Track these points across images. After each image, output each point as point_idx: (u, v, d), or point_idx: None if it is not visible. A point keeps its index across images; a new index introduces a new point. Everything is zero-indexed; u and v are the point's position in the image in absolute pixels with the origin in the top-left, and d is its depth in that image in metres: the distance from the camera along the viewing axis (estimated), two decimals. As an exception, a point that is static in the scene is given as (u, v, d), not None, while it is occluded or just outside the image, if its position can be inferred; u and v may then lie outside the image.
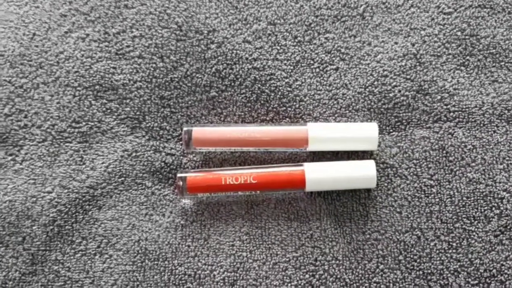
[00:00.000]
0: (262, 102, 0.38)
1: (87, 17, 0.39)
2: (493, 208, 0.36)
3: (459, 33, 0.38)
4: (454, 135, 0.37)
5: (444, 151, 0.37)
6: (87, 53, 0.38)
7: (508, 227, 0.35)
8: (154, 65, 0.38)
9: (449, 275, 0.35)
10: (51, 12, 0.39)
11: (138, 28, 0.38)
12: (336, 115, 0.38)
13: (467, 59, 0.38)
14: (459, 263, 0.35)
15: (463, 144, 0.37)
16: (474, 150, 0.37)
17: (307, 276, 0.35)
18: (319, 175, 0.35)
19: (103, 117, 0.37)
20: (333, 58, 0.38)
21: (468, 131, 0.37)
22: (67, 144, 0.37)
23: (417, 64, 0.38)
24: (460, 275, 0.35)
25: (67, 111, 0.37)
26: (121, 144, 0.37)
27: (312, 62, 0.38)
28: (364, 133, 0.36)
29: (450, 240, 0.35)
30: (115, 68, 0.38)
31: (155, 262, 0.35)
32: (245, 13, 0.39)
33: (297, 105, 0.38)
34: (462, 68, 0.38)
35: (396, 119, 0.37)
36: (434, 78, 0.38)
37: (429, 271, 0.35)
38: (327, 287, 0.35)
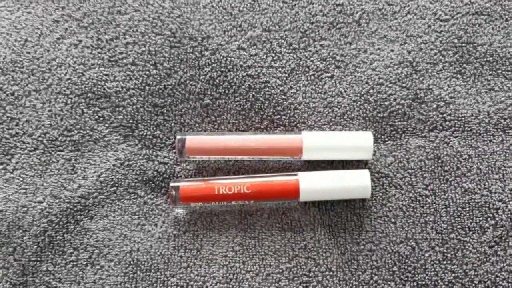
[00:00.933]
0: (256, 110, 0.37)
1: (80, 23, 0.38)
2: (488, 219, 0.35)
3: (455, 41, 0.38)
4: (449, 145, 0.37)
5: (440, 161, 0.36)
6: (80, 59, 0.38)
7: (503, 238, 0.35)
8: (147, 72, 0.38)
9: (443, 286, 0.34)
10: (43, 18, 0.38)
11: (132, 35, 0.38)
12: (331, 124, 0.37)
13: (463, 67, 0.38)
14: (453, 274, 0.35)
15: (458, 153, 0.36)
16: (470, 160, 0.36)
17: (300, 287, 0.35)
18: (313, 185, 0.35)
19: (95, 125, 0.37)
20: (328, 66, 0.38)
21: (464, 140, 0.37)
22: (58, 152, 0.37)
23: (413, 72, 0.38)
24: (454, 287, 0.34)
25: (59, 119, 0.37)
26: (113, 153, 0.37)
27: (307, 69, 0.38)
28: (359, 142, 0.35)
29: (445, 251, 0.35)
30: (107, 75, 0.37)
31: (147, 273, 0.35)
32: (239, 20, 0.38)
33: (291, 113, 0.37)
34: (459, 76, 0.38)
35: (392, 128, 0.37)
36: (430, 86, 0.37)
37: (424, 283, 0.35)
38: (320, 298, 0.34)
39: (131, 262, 0.35)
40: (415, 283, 0.35)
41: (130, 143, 0.37)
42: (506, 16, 0.38)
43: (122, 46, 0.38)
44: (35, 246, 0.35)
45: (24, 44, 0.38)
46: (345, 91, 0.38)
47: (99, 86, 0.37)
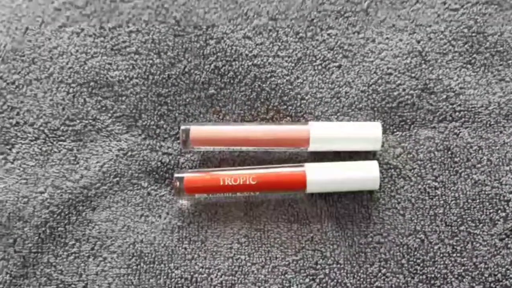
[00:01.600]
0: (262, 100, 0.37)
1: (82, 11, 0.37)
2: (499, 211, 0.35)
3: (465, 30, 0.37)
4: (459, 136, 0.36)
5: (449, 152, 0.36)
6: (82, 48, 0.37)
7: (514, 230, 0.34)
8: (151, 61, 0.37)
9: (453, 279, 0.34)
10: (44, 6, 0.38)
11: (135, 23, 0.37)
12: (338, 114, 0.37)
13: (473, 57, 0.37)
14: (463, 267, 0.34)
15: (468, 144, 0.36)
16: (480, 151, 0.36)
17: (307, 280, 0.34)
18: (320, 176, 0.34)
19: (98, 115, 0.36)
20: (336, 55, 0.37)
21: (474, 131, 0.36)
22: (60, 142, 0.36)
23: (422, 62, 0.37)
24: (464, 280, 0.34)
25: (61, 108, 0.36)
26: (116, 143, 0.36)
27: (314, 59, 0.37)
28: (367, 133, 0.35)
29: (455, 243, 0.34)
30: (110, 64, 0.37)
31: (151, 265, 0.34)
32: (245, 8, 0.38)
33: (298, 104, 0.37)
34: (469, 66, 0.37)
35: (400, 119, 0.36)
36: (440, 77, 0.37)
37: (433, 275, 0.34)
38: (328, 292, 0.34)
39: (134, 254, 0.34)
40: (424, 276, 0.34)
41: (133, 133, 0.36)
42: (517, 6, 0.38)
43: (125, 34, 0.37)
44: (36, 238, 0.34)
45: (25, 32, 0.37)
46: (353, 81, 0.37)
47: (102, 75, 0.37)
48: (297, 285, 0.34)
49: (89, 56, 0.37)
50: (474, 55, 0.37)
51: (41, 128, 0.36)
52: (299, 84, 0.37)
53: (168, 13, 0.37)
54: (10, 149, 0.35)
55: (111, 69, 0.37)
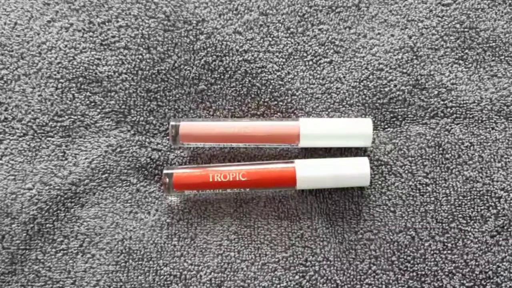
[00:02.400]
0: (252, 96, 0.36)
1: (71, 5, 0.37)
2: (490, 208, 0.34)
3: (458, 26, 0.37)
4: (451, 132, 0.36)
5: (441, 148, 0.35)
6: (71, 43, 0.37)
7: (505, 227, 0.34)
8: (140, 56, 0.36)
9: (443, 276, 0.34)
10: (33, 0, 0.37)
11: (124, 18, 0.37)
12: (329, 110, 0.36)
13: (465, 53, 0.37)
14: (454, 265, 0.34)
15: (460, 141, 0.36)
16: (472, 148, 0.35)
17: (297, 277, 0.34)
18: (310, 173, 0.34)
19: (86, 110, 0.36)
20: (327, 51, 0.37)
21: (465, 127, 0.36)
22: (48, 138, 0.35)
23: (414, 57, 0.37)
24: (455, 277, 0.34)
25: (49, 104, 0.36)
26: (105, 139, 0.36)
27: (305, 54, 0.37)
28: (358, 129, 0.34)
29: (445, 240, 0.34)
30: (99, 59, 0.36)
31: (140, 262, 0.34)
32: (235, 3, 0.37)
33: (289, 99, 0.36)
34: (461, 62, 0.37)
35: (392, 115, 0.36)
36: (431, 72, 0.36)
37: (423, 273, 0.34)
38: (317, 289, 0.34)
39: (123, 251, 0.34)
40: (414, 273, 0.34)
41: (122, 129, 0.36)
42: (510, 1, 0.37)
43: (114, 29, 0.37)
44: (24, 234, 0.34)
45: (14, 27, 0.37)
46: (344, 77, 0.37)
47: (91, 71, 0.36)
48: (286, 282, 0.34)
49: (78, 51, 0.36)
50: (466, 51, 0.37)
51: (30, 123, 0.36)
52: (290, 79, 0.37)
53: (157, 8, 0.37)
54: (-2, 145, 0.35)
55: (100, 64, 0.36)
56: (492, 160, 0.35)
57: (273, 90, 0.36)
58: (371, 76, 0.36)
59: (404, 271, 0.34)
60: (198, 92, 0.36)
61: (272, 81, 0.36)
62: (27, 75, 0.36)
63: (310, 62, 0.37)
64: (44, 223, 0.34)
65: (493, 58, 0.37)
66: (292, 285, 0.34)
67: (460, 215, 0.34)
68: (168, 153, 0.36)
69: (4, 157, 0.35)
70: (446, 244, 0.34)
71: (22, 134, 0.35)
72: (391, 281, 0.34)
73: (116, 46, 0.37)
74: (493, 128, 0.36)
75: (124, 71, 0.36)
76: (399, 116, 0.36)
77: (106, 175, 0.35)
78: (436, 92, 0.36)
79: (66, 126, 0.36)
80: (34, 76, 0.36)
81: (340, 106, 0.36)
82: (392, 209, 0.35)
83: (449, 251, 0.34)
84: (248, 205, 0.35)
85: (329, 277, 0.34)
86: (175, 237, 0.34)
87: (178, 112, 0.36)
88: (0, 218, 0.34)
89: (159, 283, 0.33)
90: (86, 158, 0.35)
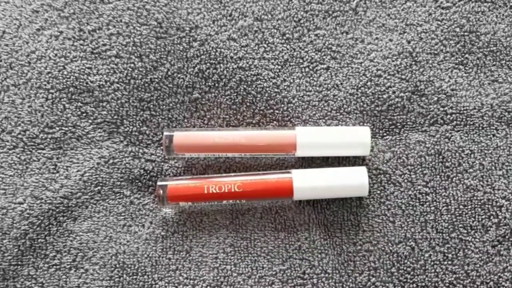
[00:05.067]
0: (248, 104, 0.35)
1: (60, 13, 0.36)
2: (491, 217, 0.34)
3: (457, 30, 0.36)
4: (451, 139, 0.35)
5: (441, 156, 0.35)
6: (61, 52, 0.36)
7: (507, 236, 0.33)
8: (132, 65, 0.36)
9: (444, 287, 0.33)
10: (22, 8, 0.36)
11: (115, 25, 0.36)
12: (326, 118, 0.35)
13: (465, 57, 0.36)
14: (454, 275, 0.33)
15: (460, 148, 0.35)
16: (472, 155, 0.35)
17: (294, 290, 0.33)
18: (307, 183, 0.33)
19: (78, 121, 0.35)
20: (324, 57, 0.36)
21: (466, 134, 0.35)
22: (39, 151, 0.35)
23: (413, 63, 0.36)
24: (455, 288, 0.33)
25: (40, 115, 0.35)
26: (97, 151, 0.35)
27: (301, 61, 0.36)
28: (355, 138, 0.34)
29: (446, 251, 0.33)
30: (90, 68, 0.36)
31: (134, 277, 0.33)
32: (230, 8, 0.36)
33: (285, 108, 0.35)
34: (461, 67, 0.36)
35: (390, 122, 0.35)
36: (431, 78, 0.36)
37: (423, 284, 0.33)
38: (315, 302, 0.33)
39: (117, 265, 0.33)
40: (414, 285, 0.33)
41: (115, 140, 0.35)
42: (511, 4, 0.36)
43: (105, 37, 0.36)
44: (16, 250, 0.33)
45: (2, 36, 0.36)
46: (341, 84, 0.36)
47: (82, 80, 0.35)
48: (284, 295, 0.33)
49: (68, 60, 0.36)
50: (466, 55, 0.36)
51: (20, 136, 0.35)
52: (286, 87, 0.36)
53: (149, 15, 0.36)
54: (-13, 158, 0.34)
55: (91, 73, 0.35)
56: (493, 168, 0.34)
57: (268, 98, 0.36)
58: (369, 83, 0.36)
59: (404, 282, 0.33)
60: (192, 101, 0.36)
61: (267, 88, 0.36)
62: (16, 85, 0.35)
63: (307, 69, 0.36)
64: (36, 238, 0.33)
65: (494, 63, 0.36)
66: (289, 298, 0.33)
67: (460, 225, 0.34)
68: (162, 164, 0.35)
69: (-6, 170, 0.34)
70: (446, 254, 0.33)
71: (12, 146, 0.35)
72: (390, 293, 0.33)
73: (108, 55, 0.36)
74: (494, 135, 0.35)
75: (116, 80, 0.35)
76: (398, 124, 0.35)
77: (99, 187, 0.34)
78: (435, 99, 0.35)
79: (57, 138, 0.35)
80: (24, 87, 0.35)
81: (338, 114, 0.35)
82: (391, 219, 0.34)
83: (449, 262, 0.33)
84: (244, 216, 0.34)
85: (328, 290, 0.33)
86: (170, 250, 0.34)
87: (172, 122, 0.35)
88: (-10, 233, 0.33)
89: (154, 298, 0.33)
90: (78, 171, 0.34)
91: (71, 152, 0.35)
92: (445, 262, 0.33)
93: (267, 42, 0.36)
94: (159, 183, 0.33)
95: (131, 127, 0.35)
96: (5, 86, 0.35)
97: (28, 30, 0.36)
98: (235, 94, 0.36)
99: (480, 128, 0.35)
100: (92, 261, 0.33)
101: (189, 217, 0.34)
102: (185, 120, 0.35)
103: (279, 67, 0.36)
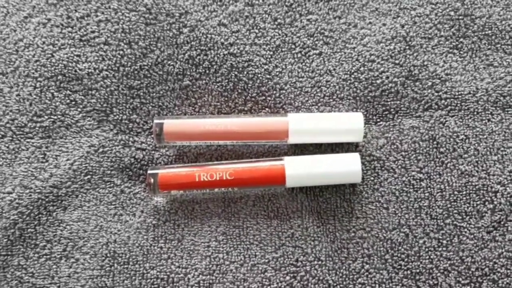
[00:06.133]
0: (239, 91, 0.35)
1: (48, 0, 0.35)
2: (486, 203, 0.33)
3: (452, 13, 0.35)
4: (445, 125, 0.34)
5: (435, 142, 0.34)
6: (49, 40, 0.35)
7: (502, 222, 0.33)
8: (121, 52, 0.35)
9: (438, 274, 0.33)
10: (9, -5, 0.36)
11: (104, 12, 0.35)
12: (319, 104, 0.35)
13: (460, 42, 0.35)
14: (449, 262, 0.33)
15: (455, 134, 0.34)
16: (467, 141, 0.34)
17: (287, 278, 0.33)
18: (300, 170, 0.33)
19: (67, 110, 0.35)
20: (316, 42, 0.35)
21: (460, 120, 0.34)
22: (28, 140, 0.34)
23: (407, 47, 0.35)
24: (450, 274, 0.33)
25: (28, 104, 0.34)
26: (87, 139, 0.34)
27: (293, 46, 0.35)
28: (348, 124, 0.33)
29: (440, 237, 0.33)
30: (79, 56, 0.35)
31: (125, 266, 0.33)
32: (220, -6, 0.36)
33: (277, 94, 0.35)
34: (455, 51, 0.35)
35: (384, 108, 0.35)
36: (425, 63, 0.35)
37: (418, 271, 0.33)
38: (309, 290, 0.33)
39: (108, 255, 0.33)
40: (408, 272, 0.33)
41: (104, 128, 0.35)
42: (506, -14, 0.36)
43: (94, 24, 0.35)
44: (5, 240, 0.33)
45: (-11, 23, 0.35)
46: (334, 69, 0.35)
47: (70, 68, 0.35)
48: (277, 283, 0.33)
49: (57, 48, 0.35)
50: (461, 39, 0.35)
51: (8, 125, 0.34)
52: (277, 73, 0.35)
53: (138, 1, 0.35)
54: (-25, 148, 0.34)
55: (79, 61, 0.35)
56: (488, 153, 0.34)
57: (260, 85, 0.35)
58: (362, 68, 0.35)
59: (398, 269, 0.33)
60: (182, 88, 0.35)
61: (259, 75, 0.35)
62: (4, 74, 0.35)
63: (299, 55, 0.35)
64: (25, 227, 0.33)
65: (489, 47, 0.35)
66: (282, 286, 0.33)
67: (455, 211, 0.33)
68: (153, 152, 0.35)
69: (-17, 160, 0.34)
70: (441, 241, 0.33)
71: (0, 136, 0.34)
72: (384, 280, 0.33)
73: (96, 42, 0.35)
74: (489, 120, 0.34)
75: (105, 67, 0.35)
76: (392, 109, 0.35)
77: (89, 176, 0.34)
78: (430, 84, 0.35)
79: (46, 127, 0.34)
80: (12, 75, 0.35)
81: (331, 100, 0.35)
82: (385, 206, 0.34)
83: (444, 248, 0.33)
84: (237, 204, 0.34)
85: (321, 277, 0.33)
86: (161, 239, 0.33)
87: (162, 110, 0.35)
88: (-21, 223, 0.33)
89: (146, 286, 0.32)
90: (67, 160, 0.34)
91: (60, 141, 0.34)
92: (440, 249, 0.33)
93: (258, 27, 0.36)
94: (149, 171, 0.33)
95: (121, 115, 0.35)
96: (-7, 75, 0.35)
97: (16, 18, 0.35)
98: (227, 80, 0.35)
99: (475, 113, 0.35)
100: (82, 250, 0.33)
101: (180, 205, 0.34)
102: (176, 108, 0.35)
103: (271, 53, 0.35)
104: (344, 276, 0.33)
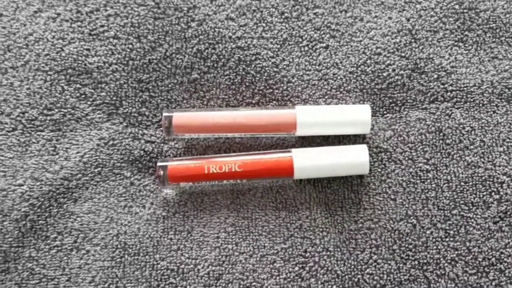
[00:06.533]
0: (247, 84, 0.35)
1: (57, -5, 0.36)
2: (493, 193, 0.34)
3: (457, 7, 0.36)
4: (451, 116, 0.35)
5: (441, 134, 0.35)
6: (59, 34, 0.35)
7: (508, 213, 0.33)
8: (130, 46, 0.35)
9: (446, 264, 0.33)
10: (18, -10, 0.36)
11: (113, 6, 0.36)
12: (326, 97, 0.35)
13: (465, 35, 0.36)
14: (456, 252, 0.33)
15: (461, 125, 0.35)
16: (473, 132, 0.35)
17: (296, 268, 0.33)
18: (308, 162, 0.33)
19: (77, 103, 0.35)
20: (323, 36, 0.36)
21: (466, 111, 0.35)
22: (39, 133, 0.35)
23: (413, 40, 0.36)
24: (457, 265, 0.33)
25: (38, 97, 0.35)
26: (97, 132, 0.35)
27: (300, 40, 0.36)
28: (356, 116, 0.34)
29: (447, 227, 0.33)
30: (88, 50, 0.35)
31: (135, 257, 0.33)
32: (227, -12, 0.36)
33: (284, 87, 0.35)
34: (460, 44, 0.36)
35: (390, 100, 0.35)
36: (431, 56, 0.35)
37: (425, 261, 0.33)
38: (317, 280, 0.33)
39: (118, 246, 0.33)
40: (416, 262, 0.33)
41: (114, 121, 0.35)
42: (510, -20, 0.36)
43: (103, 18, 0.36)
44: (17, 232, 0.33)
45: (-1, 18, 0.36)
46: (341, 62, 0.36)
47: (80, 62, 0.35)
48: (286, 273, 0.33)
49: (66, 42, 0.35)
50: (466, 32, 0.36)
51: (19, 118, 0.35)
52: (285, 66, 0.36)
53: (147, -5, 0.36)
54: (-14, 141, 0.34)
55: (89, 55, 0.35)
56: (494, 144, 0.34)
57: (268, 78, 0.35)
58: (368, 61, 0.35)
59: (405, 260, 0.33)
60: (191, 81, 0.35)
61: (266, 68, 0.35)
62: (14, 68, 0.35)
63: (306, 48, 0.36)
64: (36, 219, 0.33)
65: (494, 40, 0.36)
66: (291, 276, 0.33)
67: (462, 202, 0.34)
68: (162, 145, 0.35)
69: (-6, 153, 0.34)
70: (448, 231, 0.33)
71: (11, 129, 0.34)
72: (392, 270, 0.33)
73: (105, 36, 0.35)
74: (494, 112, 0.35)
75: (114, 61, 0.35)
76: (398, 102, 0.35)
77: (99, 169, 0.34)
78: (435, 76, 0.35)
79: (56, 120, 0.35)
80: (22, 69, 0.35)
81: (338, 93, 0.35)
82: (392, 197, 0.34)
83: (451, 239, 0.33)
84: (245, 196, 0.34)
85: (329, 268, 0.33)
86: (171, 230, 0.34)
87: (171, 103, 0.35)
88: (-9, 215, 0.33)
89: (156, 277, 0.33)
90: (77, 152, 0.34)
91: (70, 134, 0.35)
92: (447, 239, 0.33)
93: (265, 21, 0.36)
94: (159, 163, 0.33)
95: (130, 108, 0.35)
96: (3, 69, 0.35)
97: (26, 12, 0.36)
98: (234, 74, 0.35)
99: (481, 105, 0.35)
100: (93, 242, 0.33)
101: (190, 197, 0.34)
102: (184, 101, 0.35)
103: (278, 46, 0.36)
104: (352, 267, 0.33)
